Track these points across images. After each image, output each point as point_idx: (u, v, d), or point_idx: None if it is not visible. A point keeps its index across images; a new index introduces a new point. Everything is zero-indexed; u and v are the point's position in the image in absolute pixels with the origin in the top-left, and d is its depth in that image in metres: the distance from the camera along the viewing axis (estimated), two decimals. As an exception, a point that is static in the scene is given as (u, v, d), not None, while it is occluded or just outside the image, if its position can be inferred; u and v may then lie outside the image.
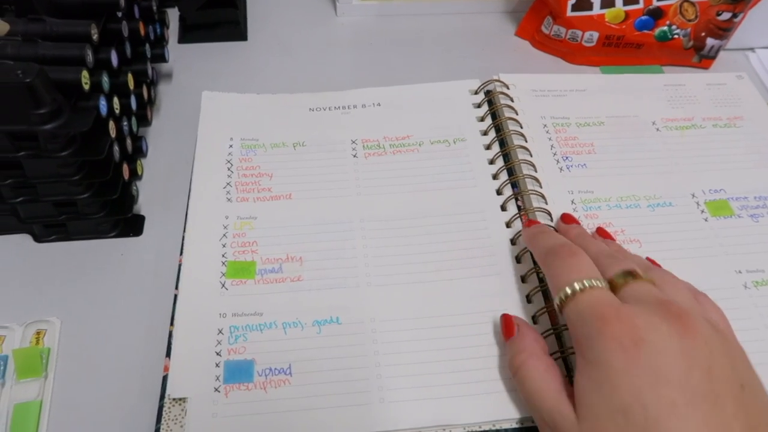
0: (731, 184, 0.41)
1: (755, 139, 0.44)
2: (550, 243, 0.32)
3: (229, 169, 0.41)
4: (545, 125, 0.44)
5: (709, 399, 0.23)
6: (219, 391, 0.31)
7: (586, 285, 0.28)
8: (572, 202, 0.39)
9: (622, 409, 0.24)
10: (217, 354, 0.32)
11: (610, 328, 0.25)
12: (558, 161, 0.42)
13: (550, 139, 0.43)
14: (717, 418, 0.23)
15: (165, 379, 0.31)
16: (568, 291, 0.28)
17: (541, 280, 0.35)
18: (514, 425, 0.31)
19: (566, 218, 0.37)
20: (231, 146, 0.42)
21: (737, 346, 0.27)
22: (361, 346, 0.33)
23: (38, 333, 0.33)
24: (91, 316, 0.35)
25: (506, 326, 0.32)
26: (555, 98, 0.46)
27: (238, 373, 0.31)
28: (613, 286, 0.29)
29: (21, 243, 0.38)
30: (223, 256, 0.36)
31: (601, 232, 0.37)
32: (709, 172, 0.42)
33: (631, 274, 0.29)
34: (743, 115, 0.46)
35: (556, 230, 0.36)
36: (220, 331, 0.33)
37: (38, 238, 0.38)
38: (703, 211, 0.39)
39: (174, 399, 0.31)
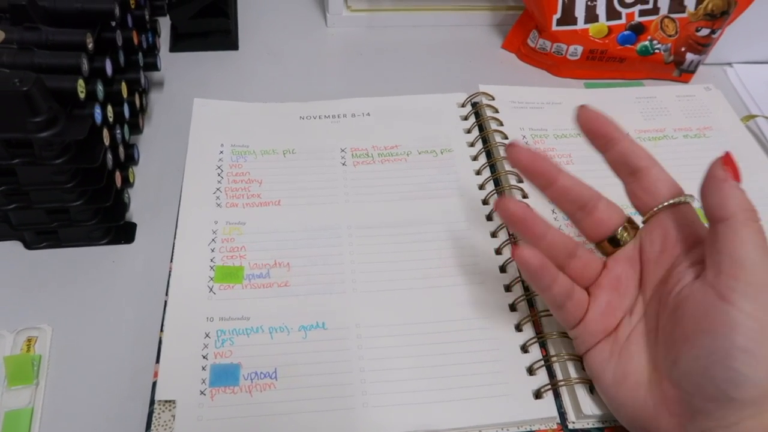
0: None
1: (723, 148, 0.45)
2: None
3: (219, 175, 0.41)
4: (524, 136, 0.45)
5: None
6: (205, 395, 0.31)
7: None
8: (552, 211, 0.40)
9: None
10: (204, 357, 0.33)
11: None
12: None
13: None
14: None
15: (155, 385, 0.32)
16: None
17: (526, 289, 0.36)
18: (500, 431, 0.31)
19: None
20: (221, 152, 0.43)
21: None
22: (345, 352, 0.33)
23: (29, 340, 0.33)
24: (83, 324, 0.35)
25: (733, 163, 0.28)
26: (533, 110, 0.47)
27: (224, 376, 0.32)
28: None
29: (12, 250, 0.38)
30: (211, 260, 0.37)
31: None
32: (681, 181, 0.43)
33: None
34: (712, 125, 0.48)
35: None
36: (207, 335, 0.33)
37: (29, 245, 0.38)
38: None
39: (163, 403, 0.31)
